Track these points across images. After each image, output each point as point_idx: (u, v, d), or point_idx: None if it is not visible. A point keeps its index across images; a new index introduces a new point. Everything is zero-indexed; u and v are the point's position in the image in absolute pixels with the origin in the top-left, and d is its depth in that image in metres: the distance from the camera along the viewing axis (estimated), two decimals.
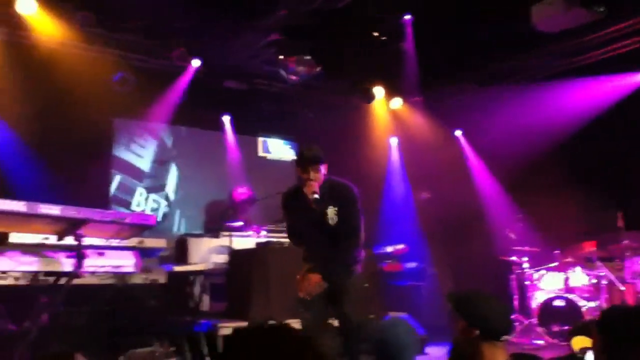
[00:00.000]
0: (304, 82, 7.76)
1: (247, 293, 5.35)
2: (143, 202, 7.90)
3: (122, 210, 7.35)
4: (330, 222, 3.84)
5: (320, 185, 3.82)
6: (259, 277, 5.34)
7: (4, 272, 3.58)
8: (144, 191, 7.94)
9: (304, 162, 3.88)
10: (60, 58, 6.54)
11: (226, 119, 8.51)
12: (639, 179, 6.79)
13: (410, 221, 8.59)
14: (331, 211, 3.85)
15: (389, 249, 7.09)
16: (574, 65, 7.19)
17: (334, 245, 3.86)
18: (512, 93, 7.72)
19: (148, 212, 7.70)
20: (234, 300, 5.70)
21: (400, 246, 7.15)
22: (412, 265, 7.47)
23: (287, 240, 6.28)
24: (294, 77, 7.47)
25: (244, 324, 5.14)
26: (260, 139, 9.14)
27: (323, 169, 3.89)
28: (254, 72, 7.82)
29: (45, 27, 6.26)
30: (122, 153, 7.87)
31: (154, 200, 8.02)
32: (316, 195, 3.78)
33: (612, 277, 6.22)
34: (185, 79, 7.39)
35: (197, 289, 5.25)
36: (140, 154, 8.04)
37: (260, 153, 9.10)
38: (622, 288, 6.15)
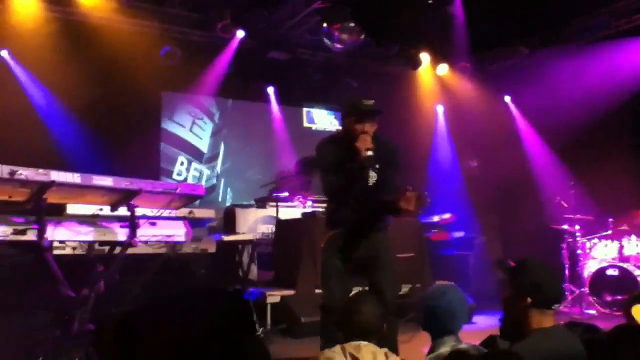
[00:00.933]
0: (349, 51, 7.66)
1: (293, 262, 5.43)
2: (184, 171, 8.04)
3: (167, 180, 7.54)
4: (370, 180, 3.41)
5: None
6: (306, 246, 5.40)
7: (62, 242, 3.75)
8: (185, 161, 8.08)
9: (362, 112, 3.39)
10: (108, 33, 6.69)
11: (271, 90, 8.53)
12: None
13: (458, 190, 8.46)
14: (373, 170, 3.44)
15: (436, 218, 7.02)
16: (629, 26, 6.83)
17: (368, 207, 3.41)
18: (563, 57, 7.42)
19: (190, 181, 7.85)
20: (281, 269, 5.80)
21: (447, 215, 7.07)
22: (459, 234, 7.39)
23: None
24: (338, 46, 7.38)
25: (291, 292, 5.24)
26: (305, 110, 9.13)
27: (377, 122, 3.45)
28: (298, 41, 7.78)
29: (93, 2, 6.39)
30: (169, 125, 8.03)
31: (195, 169, 8.15)
32: (370, 152, 3.28)
33: None
34: (230, 51, 7.43)
35: (245, 258, 5.37)
36: (187, 126, 8.18)
37: (305, 124, 9.11)
38: None
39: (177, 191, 3.70)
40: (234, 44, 7.37)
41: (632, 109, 7.08)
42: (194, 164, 8.15)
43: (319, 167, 3.51)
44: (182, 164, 8.05)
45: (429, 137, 8.97)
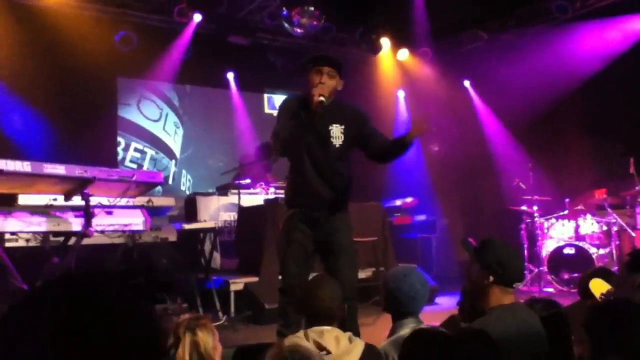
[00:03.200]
0: (310, 35, 7.60)
1: (257, 249, 5.39)
2: (142, 159, 7.86)
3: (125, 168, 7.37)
4: (334, 141, 3.18)
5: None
6: (269, 233, 5.36)
7: (14, 234, 3.62)
8: (143, 148, 7.90)
9: (321, 60, 3.21)
10: (62, 18, 6.46)
11: (231, 76, 8.41)
12: None
13: (420, 174, 8.55)
14: (337, 129, 3.20)
15: (398, 202, 7.08)
16: (585, 10, 6.97)
17: (334, 175, 3.21)
18: (521, 41, 7.54)
19: (147, 169, 7.70)
20: (245, 256, 5.76)
21: (410, 199, 7.14)
22: (421, 217, 7.48)
23: None
24: (298, 30, 7.31)
25: (255, 279, 5.20)
26: (266, 96, 9.04)
27: (338, 81, 3.25)
28: (258, 26, 7.66)
29: None
30: (126, 112, 7.83)
31: (154, 157, 7.98)
32: (322, 98, 3.05)
33: (623, 223, 6.18)
34: (187, 36, 7.27)
35: (207, 247, 5.30)
36: (144, 113, 8.00)
37: (267, 110, 9.02)
38: (633, 234, 6.12)
39: (134, 179, 3.62)
40: (191, 28, 7.21)
41: (588, 92, 7.26)
42: (152, 152, 7.98)
43: (277, 121, 3.25)
44: (139, 151, 7.86)
45: (390, 121, 9.00)
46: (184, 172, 8.18)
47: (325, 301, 2.38)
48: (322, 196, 3.21)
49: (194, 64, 7.63)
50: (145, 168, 7.73)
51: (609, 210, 6.27)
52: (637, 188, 6.13)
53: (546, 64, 7.23)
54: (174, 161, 8.14)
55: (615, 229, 6.17)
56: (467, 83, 8.82)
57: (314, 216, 3.22)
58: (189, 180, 8.16)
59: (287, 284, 3.20)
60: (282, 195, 6.02)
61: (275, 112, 8.91)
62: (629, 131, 6.85)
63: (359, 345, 2.22)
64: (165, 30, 7.30)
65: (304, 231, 3.21)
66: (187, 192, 7.56)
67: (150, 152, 7.94)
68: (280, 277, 3.34)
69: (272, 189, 6.43)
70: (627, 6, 6.64)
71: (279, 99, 9.12)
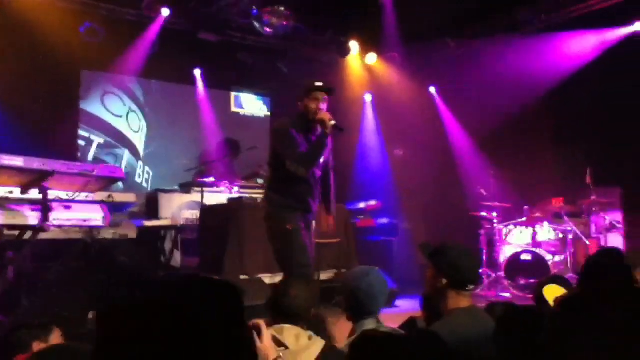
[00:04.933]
0: (280, 35, 7.58)
1: (219, 248, 5.35)
2: (103, 154, 7.70)
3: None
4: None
5: None
6: (232, 232, 5.34)
7: None
8: (105, 143, 7.73)
9: (323, 89, 3.78)
10: (25, 8, 6.27)
11: (198, 73, 8.32)
12: (607, 137, 6.89)
13: (384, 177, 8.63)
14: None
15: (362, 204, 7.13)
16: (554, 21, 7.15)
17: (319, 185, 3.85)
18: (488, 50, 7.68)
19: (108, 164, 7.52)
20: (206, 255, 5.70)
21: (373, 202, 7.20)
22: (384, 220, 7.55)
23: (259, 195, 6.33)
24: (268, 30, 7.29)
25: (216, 278, 5.16)
26: (233, 94, 8.98)
27: None
28: (228, 23, 7.60)
29: None
30: (89, 106, 7.66)
31: (115, 152, 7.83)
32: (334, 122, 3.68)
33: (578, 231, 6.38)
34: (154, 30, 7.15)
35: (168, 245, 5.23)
36: (108, 108, 7.84)
37: (233, 108, 8.96)
38: (587, 242, 6.32)
39: (94, 173, 3.55)
40: (159, 22, 7.11)
41: (551, 103, 7.45)
42: (114, 147, 7.83)
43: (288, 147, 3.69)
44: (101, 146, 7.70)
45: (357, 124, 9.06)
46: (146, 168, 8.05)
47: (296, 299, 2.39)
48: (315, 202, 3.86)
49: (160, 59, 7.50)
50: (106, 163, 7.57)
51: (566, 218, 6.45)
52: (592, 198, 6.34)
53: (512, 73, 7.37)
54: (136, 157, 8.01)
55: (570, 236, 6.36)
56: (433, 89, 8.95)
57: (309, 219, 3.83)
58: (152, 177, 8.03)
59: (307, 276, 3.64)
60: (246, 195, 6.04)
61: (241, 111, 8.96)
62: (589, 142, 7.06)
63: (318, 344, 2.23)
64: (133, 23, 7.17)
65: (305, 230, 3.77)
66: (149, 189, 7.43)
67: (112, 146, 7.79)
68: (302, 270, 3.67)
69: (235, 188, 6.39)
70: (591, 20, 6.84)
71: (245, 97, 9.09)
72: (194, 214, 5.97)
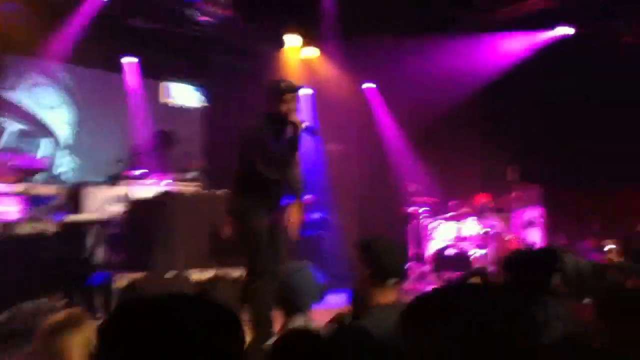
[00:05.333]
0: (215, 25, 7.43)
1: (146, 243, 5.22)
2: (24, 144, 7.29)
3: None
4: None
5: None
6: (160, 227, 5.21)
7: None
8: (27, 132, 7.34)
9: (294, 90, 3.79)
10: None
11: (128, 61, 8.03)
12: (530, 136, 7.22)
13: (318, 172, 8.66)
14: None
15: None
16: (489, 22, 7.37)
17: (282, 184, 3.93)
18: (424, 48, 7.83)
19: (32, 155, 7.16)
20: (133, 251, 5.54)
21: (307, 196, 7.21)
22: (315, 215, 7.58)
23: (189, 188, 6.20)
24: (203, 18, 7.13)
25: (142, 275, 5.02)
26: (164, 84, 8.74)
27: None
28: (162, 10, 7.37)
29: None
30: (9, 93, 7.25)
31: (38, 142, 7.45)
32: (306, 124, 3.74)
33: (501, 227, 6.66)
34: (83, 13, 6.84)
35: (91, 240, 5.03)
36: (31, 95, 7.44)
37: (164, 99, 8.72)
38: (509, 237, 6.61)
39: (11, 163, 3.36)
40: (89, 6, 6.80)
41: (482, 101, 7.71)
42: (38, 136, 7.44)
43: (253, 150, 3.76)
44: (22, 135, 7.30)
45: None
46: (70, 159, 7.71)
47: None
48: (281, 200, 3.99)
49: (89, 45, 7.18)
50: (27, 153, 7.18)
51: (489, 214, 6.72)
52: (513, 194, 6.63)
53: (444, 71, 7.56)
54: (59, 146, 7.65)
55: (493, 232, 6.64)
56: (369, 85, 9.05)
57: (276, 216, 3.94)
58: (76, 168, 7.69)
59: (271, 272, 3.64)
60: (177, 188, 5.91)
61: (172, 101, 8.73)
62: (516, 140, 7.36)
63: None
64: (61, 6, 6.83)
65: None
66: (73, 181, 7.11)
67: (31, 135, 7.39)
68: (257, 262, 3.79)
69: (166, 181, 6.23)
70: (525, 22, 7.11)
71: (177, 88, 8.86)
72: (120, 208, 5.77)
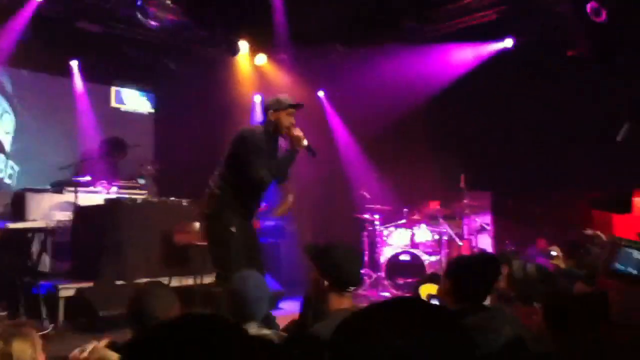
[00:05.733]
0: (166, 30, 7.29)
1: (94, 252, 5.05)
2: None
3: None
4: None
5: None
6: (109, 235, 5.06)
7: None
8: None
9: (295, 105, 3.91)
10: None
11: (75, 64, 7.78)
12: (480, 144, 7.40)
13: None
14: None
15: None
16: (437, 33, 7.52)
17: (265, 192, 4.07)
18: (375, 57, 7.93)
19: None
20: (80, 259, 5.36)
21: (261, 204, 7.14)
22: (270, 222, 7.53)
23: (140, 196, 6.04)
24: (153, 23, 6.98)
25: (90, 284, 4.85)
26: (114, 89, 8.51)
27: None
28: (109, 13, 7.17)
29: None
30: None
31: None
32: (307, 143, 3.84)
33: (452, 233, 6.78)
34: (26, 14, 6.58)
35: (35, 248, 4.82)
36: None
37: (114, 104, 8.50)
38: (460, 243, 6.74)
39: None
40: (32, 7, 6.55)
41: (432, 110, 7.85)
42: None
43: (252, 155, 3.80)
44: None
45: (246, 125, 8.95)
46: (13, 165, 7.38)
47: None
48: (257, 209, 4.18)
49: (33, 48, 6.93)
50: None
51: (441, 220, 6.84)
52: (465, 201, 6.77)
53: (397, 80, 7.66)
54: (3, 152, 7.31)
55: (445, 238, 6.75)
56: (321, 93, 9.08)
57: (250, 224, 4.04)
58: (20, 175, 7.37)
59: None
60: (125, 196, 5.74)
61: (122, 107, 8.51)
62: (465, 148, 7.53)
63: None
64: (3, 7, 6.55)
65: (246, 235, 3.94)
66: (15, 188, 6.80)
67: None
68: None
69: (114, 188, 6.05)
70: (473, 34, 7.29)
71: (127, 92, 8.65)
72: (66, 216, 5.56)
